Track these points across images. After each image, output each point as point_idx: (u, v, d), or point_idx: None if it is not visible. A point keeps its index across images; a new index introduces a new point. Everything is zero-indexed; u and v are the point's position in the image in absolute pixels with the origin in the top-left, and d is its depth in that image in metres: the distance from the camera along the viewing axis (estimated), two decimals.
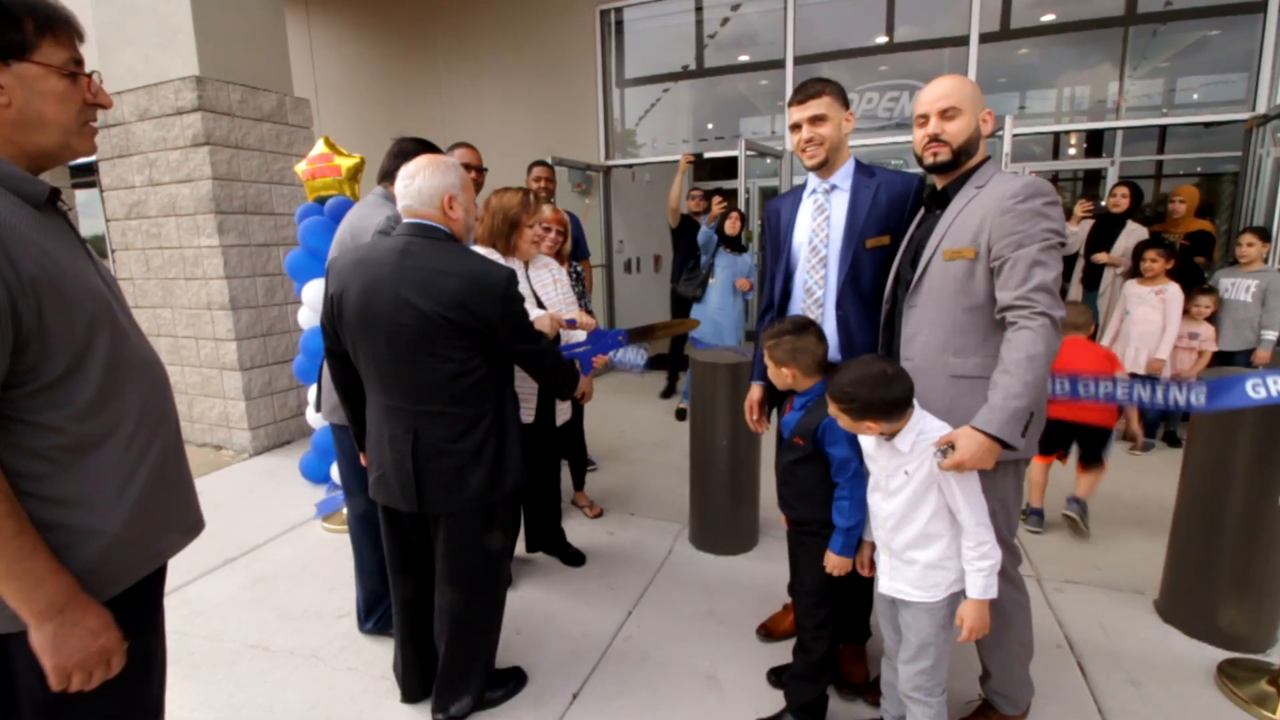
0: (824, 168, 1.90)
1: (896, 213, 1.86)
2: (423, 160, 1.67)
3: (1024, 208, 1.47)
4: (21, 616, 0.89)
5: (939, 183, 1.71)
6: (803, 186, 2.02)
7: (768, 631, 2.27)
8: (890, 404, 1.48)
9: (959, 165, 1.63)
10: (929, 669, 1.59)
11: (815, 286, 1.94)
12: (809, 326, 1.75)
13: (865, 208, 1.86)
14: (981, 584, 1.49)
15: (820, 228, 1.92)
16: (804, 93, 1.85)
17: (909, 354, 1.68)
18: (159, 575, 1.14)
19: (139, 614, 1.07)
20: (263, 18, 4.30)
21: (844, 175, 1.91)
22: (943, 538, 1.53)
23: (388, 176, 2.16)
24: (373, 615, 2.30)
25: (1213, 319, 3.91)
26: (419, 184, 1.63)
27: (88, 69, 1.00)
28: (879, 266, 1.87)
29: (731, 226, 4.47)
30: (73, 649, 0.91)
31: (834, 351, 1.90)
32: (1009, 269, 1.48)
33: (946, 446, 1.45)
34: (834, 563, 1.74)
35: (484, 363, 1.68)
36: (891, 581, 1.60)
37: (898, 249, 1.85)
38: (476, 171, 2.96)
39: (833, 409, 1.56)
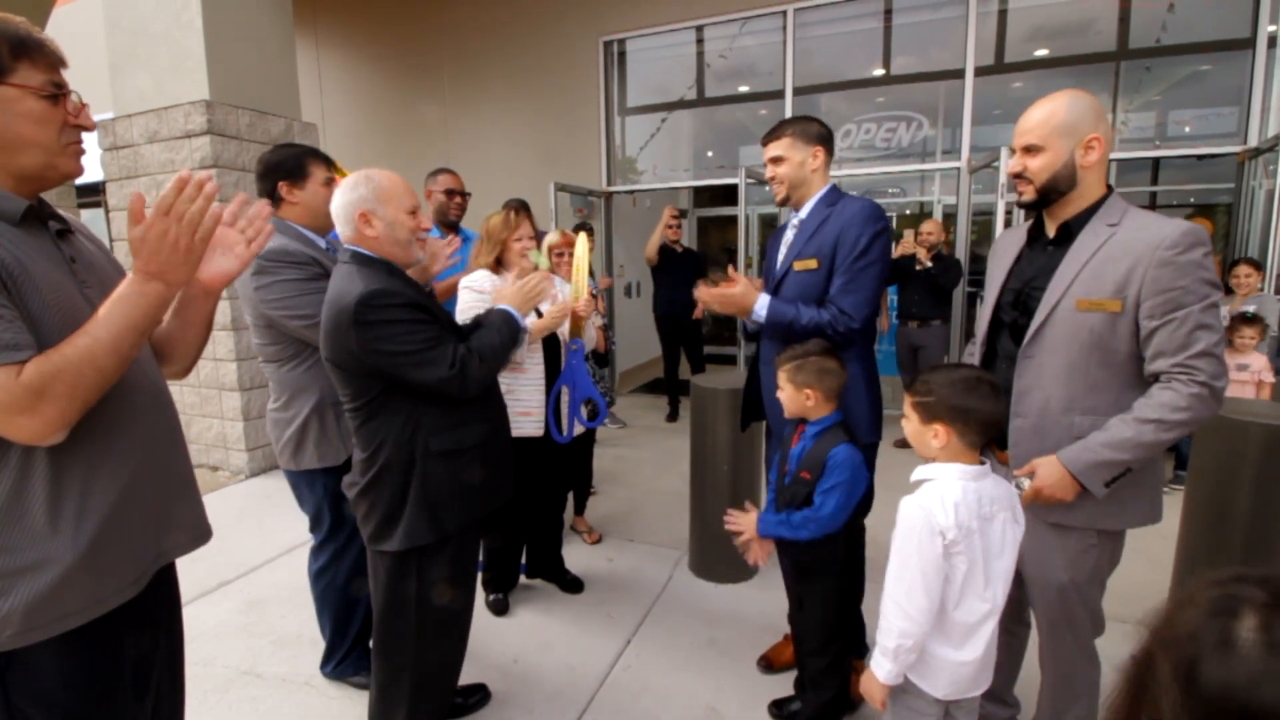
0: (790, 202, 1.95)
1: (831, 239, 1.82)
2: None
3: (1185, 260, 1.27)
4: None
5: (1050, 219, 1.50)
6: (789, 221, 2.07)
7: (769, 662, 2.24)
8: (964, 410, 1.27)
9: (1049, 202, 1.45)
10: None
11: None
12: (831, 351, 1.71)
13: (806, 236, 1.88)
14: (877, 657, 1.32)
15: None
16: (768, 135, 1.92)
17: (1022, 410, 1.45)
18: (166, 582, 1.18)
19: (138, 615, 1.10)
20: (274, 44, 4.39)
21: (808, 208, 1.94)
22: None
23: None
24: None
25: None
26: (334, 208, 1.58)
27: (79, 95, 1.02)
28: (803, 291, 1.85)
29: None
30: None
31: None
32: (1168, 331, 1.28)
33: (1025, 477, 1.35)
34: (748, 532, 1.76)
35: (376, 405, 1.54)
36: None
37: (829, 275, 1.80)
38: (460, 196, 2.98)
39: (907, 403, 1.37)
